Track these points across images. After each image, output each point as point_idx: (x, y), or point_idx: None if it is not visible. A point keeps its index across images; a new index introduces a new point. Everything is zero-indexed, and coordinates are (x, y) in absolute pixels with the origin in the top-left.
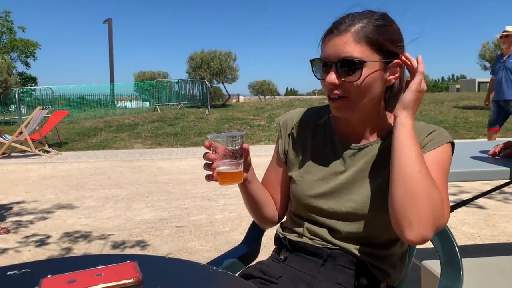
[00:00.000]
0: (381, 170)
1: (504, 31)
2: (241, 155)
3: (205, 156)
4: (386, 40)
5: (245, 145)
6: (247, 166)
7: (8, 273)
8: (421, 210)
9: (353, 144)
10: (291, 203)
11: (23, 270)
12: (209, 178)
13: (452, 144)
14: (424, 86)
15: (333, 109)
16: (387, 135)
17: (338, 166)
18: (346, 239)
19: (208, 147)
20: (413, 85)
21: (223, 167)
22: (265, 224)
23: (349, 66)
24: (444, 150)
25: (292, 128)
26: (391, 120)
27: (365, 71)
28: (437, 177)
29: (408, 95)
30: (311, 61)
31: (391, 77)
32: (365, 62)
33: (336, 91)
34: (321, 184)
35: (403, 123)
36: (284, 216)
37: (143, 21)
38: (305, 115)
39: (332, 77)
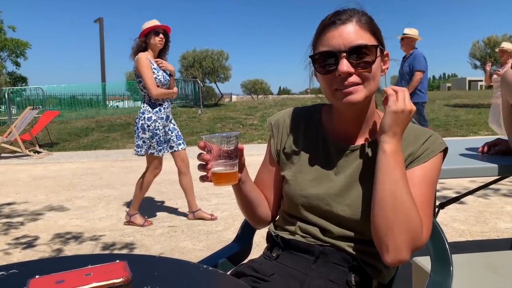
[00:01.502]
0: (373, 172)
1: (403, 34)
2: (236, 156)
3: (199, 157)
4: (378, 30)
5: (240, 146)
6: (241, 167)
7: None
8: (397, 237)
9: (345, 145)
10: (283, 202)
11: (10, 271)
12: (203, 179)
13: (446, 150)
14: (402, 105)
15: (343, 97)
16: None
17: (330, 167)
18: (338, 238)
19: (203, 148)
20: (387, 108)
21: (218, 167)
22: (258, 224)
23: (362, 52)
24: (437, 161)
25: (284, 128)
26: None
27: (375, 57)
28: (424, 193)
29: (385, 119)
30: (313, 56)
31: (384, 67)
32: (378, 46)
33: (350, 80)
34: (314, 184)
35: (383, 148)
36: (277, 215)
37: (135, 20)
38: (295, 114)
39: (346, 65)
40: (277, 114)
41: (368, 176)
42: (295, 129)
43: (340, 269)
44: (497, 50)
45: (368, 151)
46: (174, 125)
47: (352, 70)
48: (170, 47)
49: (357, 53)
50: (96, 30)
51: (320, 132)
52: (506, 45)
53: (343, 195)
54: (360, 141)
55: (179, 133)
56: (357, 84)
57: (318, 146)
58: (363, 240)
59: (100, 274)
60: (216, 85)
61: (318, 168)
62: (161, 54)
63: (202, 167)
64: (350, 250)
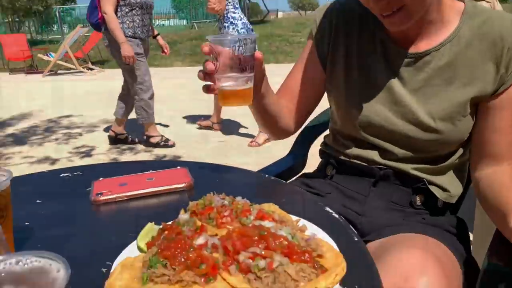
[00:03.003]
0: (446, 85)
1: None
2: (252, 68)
3: (203, 65)
4: None
5: (257, 54)
6: (261, 77)
7: (61, 175)
8: None
9: (409, 51)
10: (334, 120)
11: (75, 173)
12: (208, 89)
13: None
14: None
15: (389, 25)
16: (451, 36)
17: (392, 79)
18: (401, 160)
19: (208, 53)
20: None
21: (227, 83)
22: (278, 136)
23: None
24: None
25: (335, 26)
26: (453, 11)
27: None
28: None
29: None
30: None
31: None
32: None
33: (392, 5)
34: (374, 100)
35: None
36: (302, 124)
37: None
38: (348, 8)
39: None
40: (324, 7)
41: (438, 88)
42: (349, 28)
43: (403, 190)
44: None
45: (439, 57)
46: None
47: None
48: None
49: None
50: None
51: (379, 33)
52: None
53: (407, 111)
54: (428, 45)
55: None
56: (400, 7)
57: (377, 51)
58: (430, 160)
59: (162, 179)
60: (262, 1)
61: (377, 80)
62: None
63: (206, 79)
64: (415, 172)
